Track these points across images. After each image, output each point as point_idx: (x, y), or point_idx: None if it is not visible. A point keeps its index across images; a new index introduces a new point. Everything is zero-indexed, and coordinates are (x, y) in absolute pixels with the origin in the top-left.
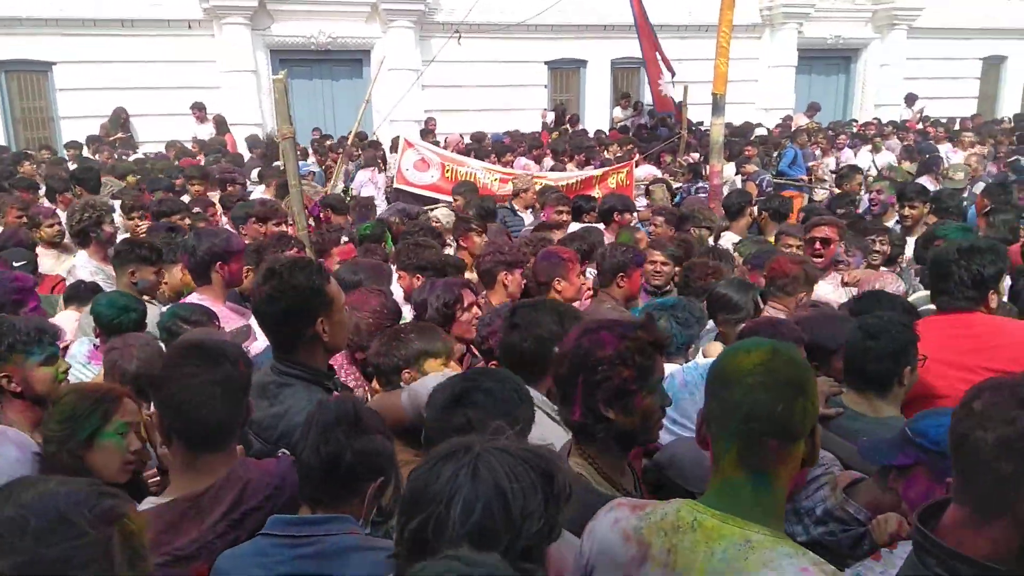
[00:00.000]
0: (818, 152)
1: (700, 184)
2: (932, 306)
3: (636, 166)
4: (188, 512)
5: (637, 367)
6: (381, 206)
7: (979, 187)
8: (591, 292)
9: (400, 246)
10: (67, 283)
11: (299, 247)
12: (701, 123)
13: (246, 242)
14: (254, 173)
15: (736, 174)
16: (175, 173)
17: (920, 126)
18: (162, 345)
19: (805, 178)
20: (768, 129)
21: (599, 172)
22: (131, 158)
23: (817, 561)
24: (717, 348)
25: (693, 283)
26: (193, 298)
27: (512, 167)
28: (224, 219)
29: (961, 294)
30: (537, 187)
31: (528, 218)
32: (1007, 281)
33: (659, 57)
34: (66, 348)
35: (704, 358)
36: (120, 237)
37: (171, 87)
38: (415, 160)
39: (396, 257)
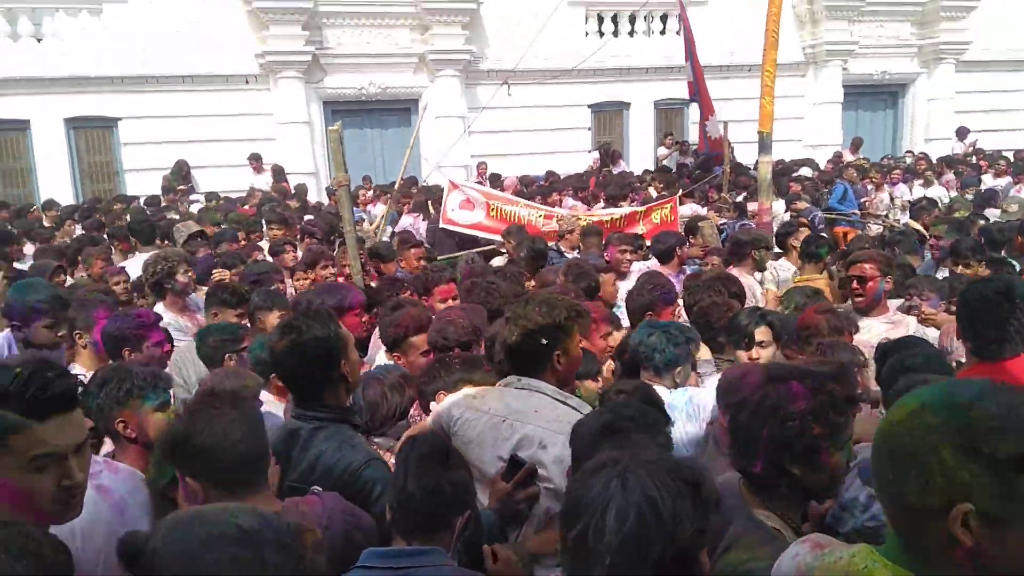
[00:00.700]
0: (871, 187)
1: (743, 222)
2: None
3: (680, 203)
4: None
5: (830, 424)
6: None
7: None
8: None
9: (467, 284)
10: None
11: (409, 289)
12: (751, 167)
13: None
14: None
15: (785, 211)
16: (255, 227)
17: (974, 160)
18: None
19: (857, 212)
20: (817, 165)
21: (642, 208)
22: (192, 207)
23: None
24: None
25: (715, 324)
26: None
27: (560, 207)
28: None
29: (1021, 338)
30: (581, 223)
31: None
32: None
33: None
34: None
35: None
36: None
37: (229, 139)
38: (460, 200)
39: (466, 297)
